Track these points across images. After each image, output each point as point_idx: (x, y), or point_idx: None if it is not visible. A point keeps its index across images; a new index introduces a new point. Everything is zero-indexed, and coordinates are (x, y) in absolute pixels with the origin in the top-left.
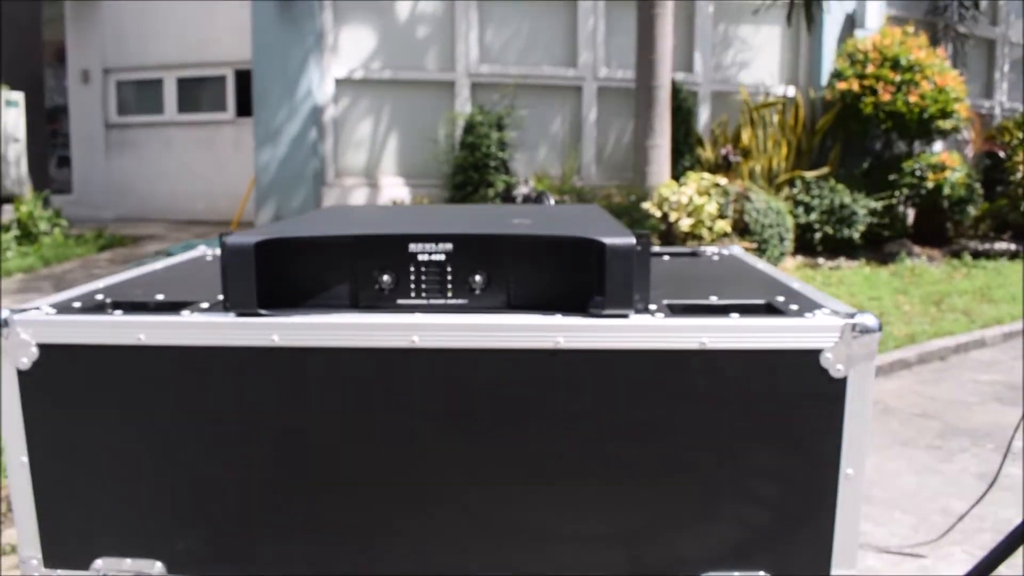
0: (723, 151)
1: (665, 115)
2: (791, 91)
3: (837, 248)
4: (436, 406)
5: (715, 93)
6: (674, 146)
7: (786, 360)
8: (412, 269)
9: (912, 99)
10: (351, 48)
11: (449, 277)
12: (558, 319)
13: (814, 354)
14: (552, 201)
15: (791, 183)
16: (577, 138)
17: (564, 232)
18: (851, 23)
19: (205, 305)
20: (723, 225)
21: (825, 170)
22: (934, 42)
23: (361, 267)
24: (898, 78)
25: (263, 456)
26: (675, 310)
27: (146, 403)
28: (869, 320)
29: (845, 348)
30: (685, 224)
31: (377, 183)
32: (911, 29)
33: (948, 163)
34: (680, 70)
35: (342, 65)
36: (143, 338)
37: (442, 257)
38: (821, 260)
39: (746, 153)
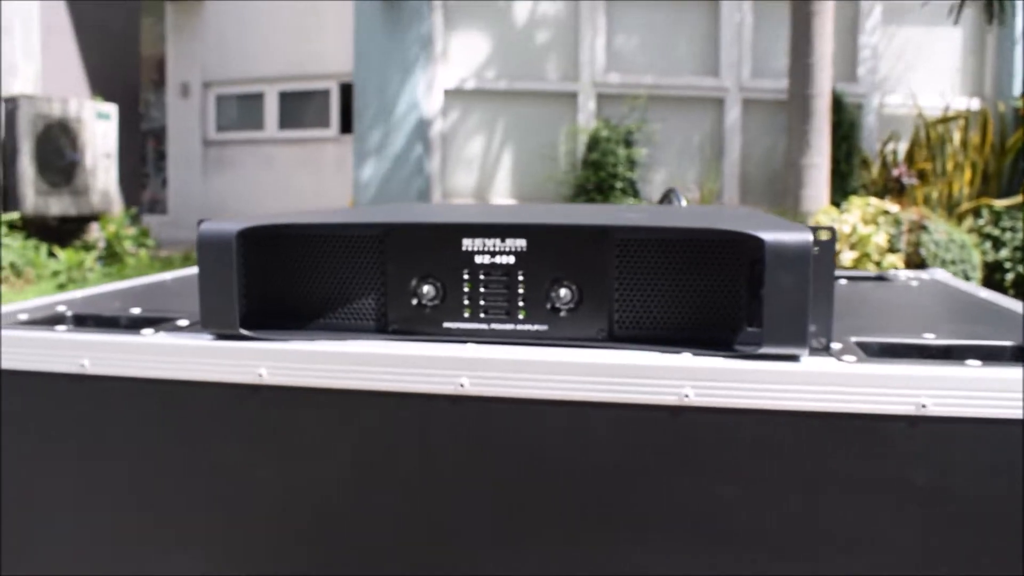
0: (894, 172)
1: (824, 129)
2: (975, 104)
3: None
4: (491, 483)
5: (883, 105)
6: (834, 166)
7: None
8: (466, 277)
9: None
10: (462, 55)
11: (521, 290)
12: (686, 359)
13: None
14: (684, 201)
15: (976, 212)
16: (718, 156)
17: (699, 224)
18: None
19: (183, 322)
20: (894, 260)
21: (1018, 199)
22: None
23: (392, 272)
24: None
25: (235, 538)
26: (873, 351)
27: (88, 452)
28: None
29: None
30: (847, 258)
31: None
32: None
33: None
34: (841, 79)
35: (452, 74)
36: (86, 365)
37: (511, 259)
38: None
39: (921, 175)
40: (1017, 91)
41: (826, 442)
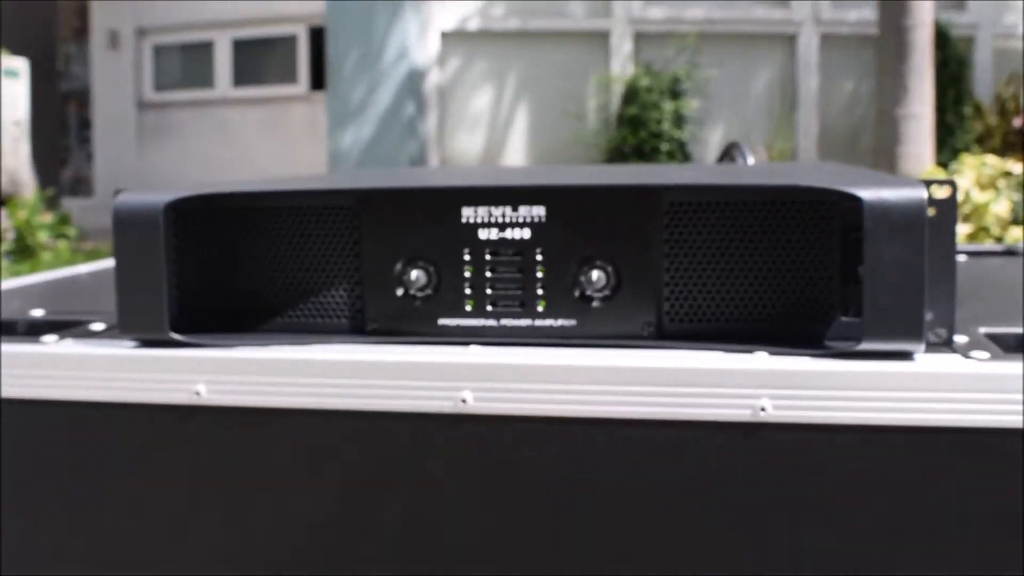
0: (1016, 122)
1: (925, 70)
2: None
3: None
4: (503, 525)
5: (1001, 38)
6: (939, 117)
7: None
8: (467, 258)
9: None
10: None
11: (540, 274)
12: (761, 361)
13: None
14: (751, 159)
15: None
16: (791, 107)
17: (774, 182)
18: None
19: (98, 326)
20: (1019, 234)
21: None
22: None
23: (370, 253)
24: None
25: None
26: (1009, 345)
27: None
28: None
29: None
30: (960, 232)
31: None
32: None
33: None
34: (947, 7)
35: (450, 12)
36: None
37: (526, 233)
38: None
39: None
40: None
41: (953, 467)
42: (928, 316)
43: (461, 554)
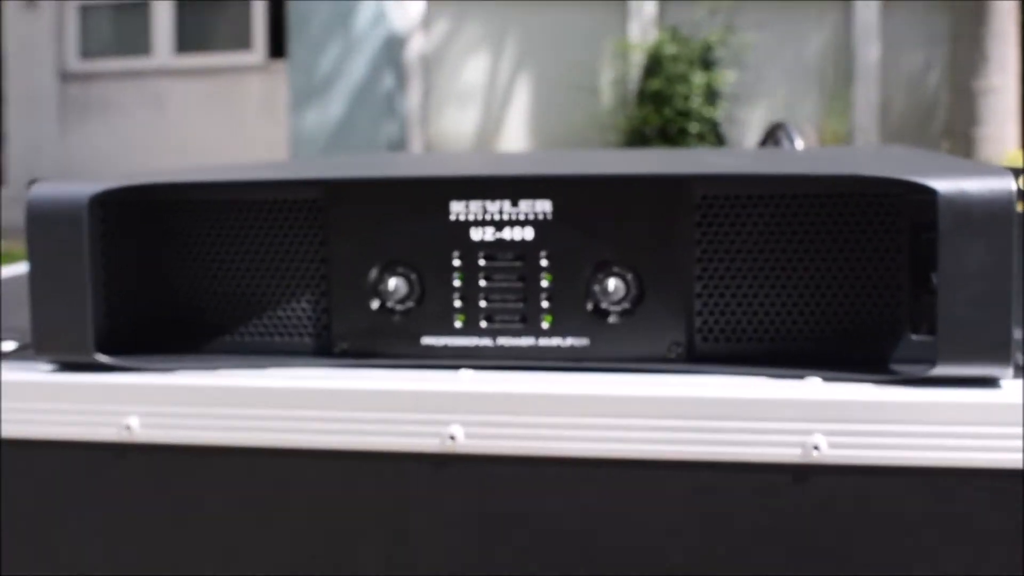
0: None
1: (1008, 33)
2: None
3: None
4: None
5: None
6: None
7: None
8: (457, 263)
9: None
10: None
11: (545, 283)
12: (814, 389)
13: None
14: (799, 143)
15: None
16: (847, 80)
17: (828, 171)
18: None
19: (8, 346)
20: None
21: None
22: None
23: (339, 258)
24: None
25: None
26: None
27: None
28: None
29: None
30: None
31: None
32: None
33: None
34: None
35: None
36: None
37: (529, 233)
38: None
39: None
40: None
41: None
42: (1017, 334)
43: None
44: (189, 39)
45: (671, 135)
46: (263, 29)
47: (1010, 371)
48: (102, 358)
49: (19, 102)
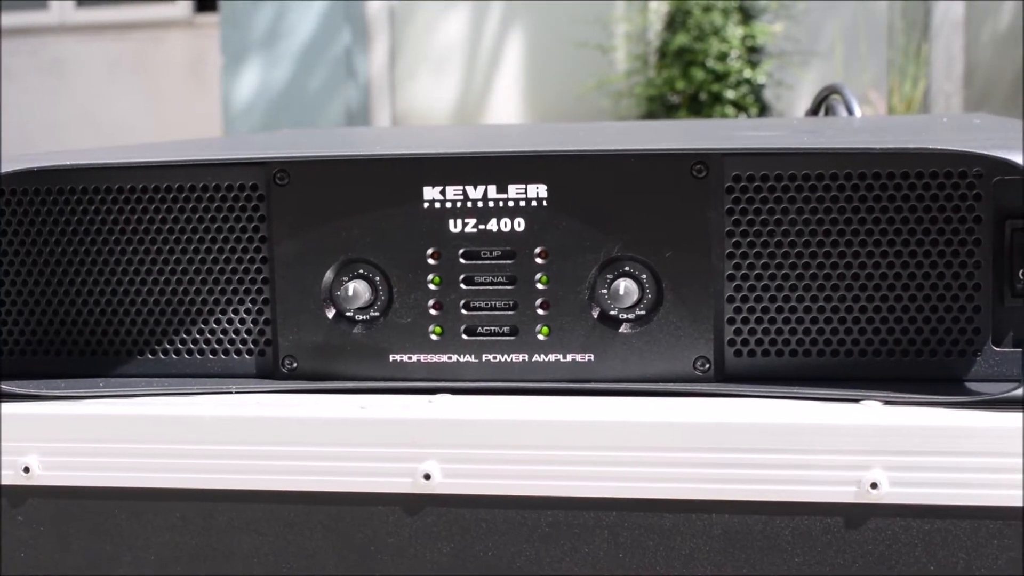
0: None
1: None
2: None
3: None
4: None
5: None
6: None
7: None
8: (432, 261)
9: None
10: None
11: (540, 284)
12: (873, 414)
13: None
14: (857, 111)
15: None
16: (919, 39)
17: (889, 145)
18: None
19: None
20: None
21: None
22: None
23: (286, 255)
24: None
25: None
26: None
27: None
28: None
29: None
30: None
31: None
32: None
33: None
34: None
35: None
36: None
37: (519, 224)
38: None
39: None
40: None
41: None
42: None
43: None
44: None
45: (702, 103)
46: None
47: None
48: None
49: None
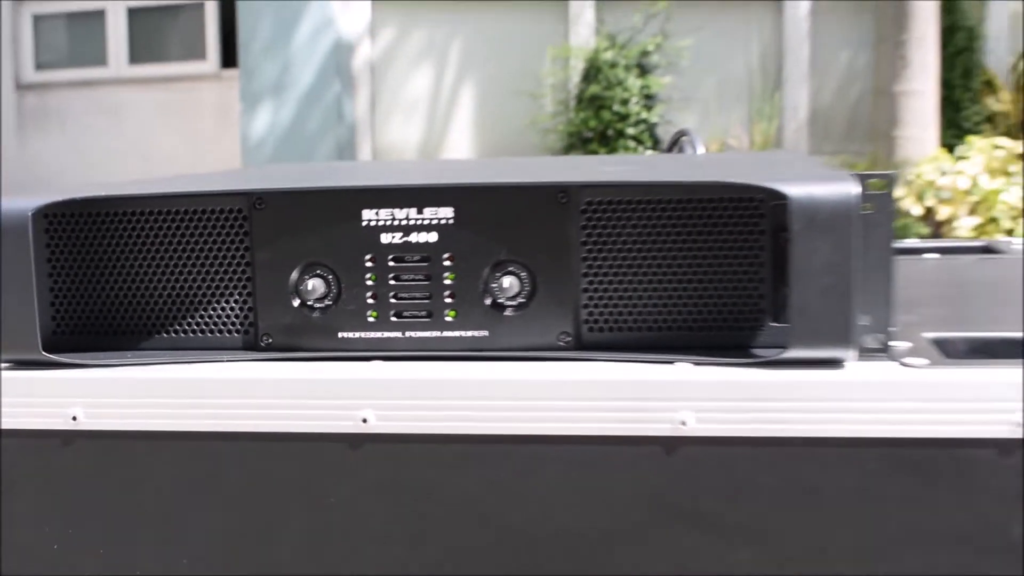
0: None
1: (928, 39)
2: None
3: None
4: (407, 550)
5: (1018, 1)
6: (946, 93)
7: None
8: (369, 264)
9: None
10: None
11: (448, 281)
12: (684, 372)
13: None
14: (701, 148)
15: None
16: (776, 84)
17: (698, 178)
18: None
19: None
20: None
21: None
22: None
23: (264, 260)
24: None
25: None
26: (952, 352)
27: None
28: None
29: None
30: (966, 225)
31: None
32: None
33: None
34: None
35: None
36: None
37: (433, 237)
38: None
39: None
40: None
41: (884, 481)
42: (864, 321)
43: (358, 568)
44: (143, 49)
45: (609, 138)
46: (216, 39)
47: (853, 353)
48: (49, 356)
49: None
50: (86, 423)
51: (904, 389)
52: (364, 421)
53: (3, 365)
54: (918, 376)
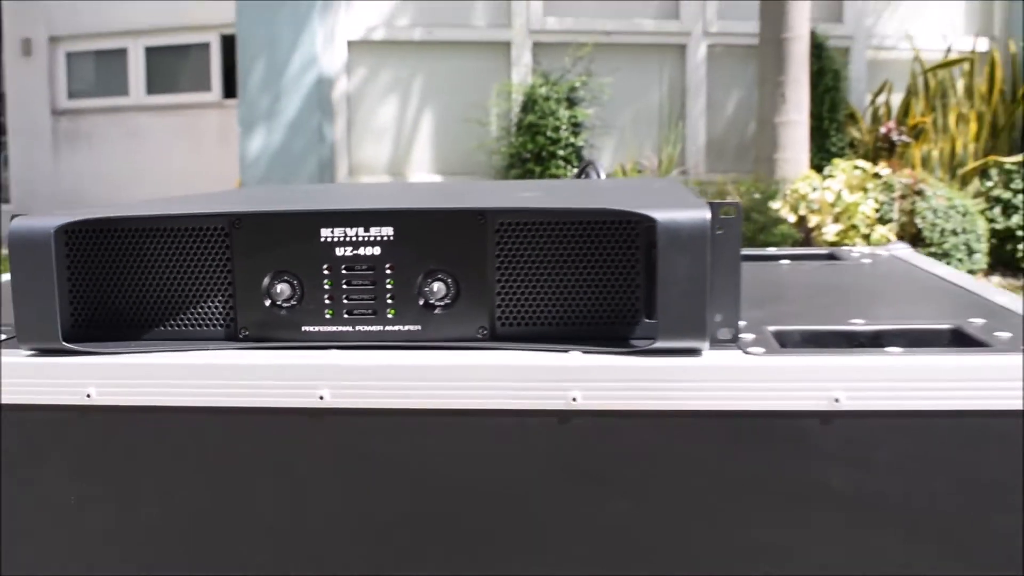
0: (884, 129)
1: (802, 80)
2: (982, 44)
3: None
4: (359, 504)
5: (874, 49)
6: (816, 124)
7: (989, 429)
8: (326, 272)
9: None
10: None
11: (389, 285)
12: (574, 358)
13: None
14: (601, 174)
15: (984, 173)
16: (680, 115)
17: (587, 205)
18: None
19: (2, 337)
20: (885, 232)
21: None
22: None
23: (241, 269)
24: None
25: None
26: (787, 342)
27: None
28: None
29: None
30: (831, 232)
31: (406, 180)
32: None
33: None
34: (824, 19)
35: (357, 22)
36: None
37: (376, 250)
38: None
39: (918, 132)
40: None
41: (729, 444)
42: (717, 318)
43: (324, 529)
44: (158, 81)
45: (543, 158)
46: (219, 73)
47: (707, 344)
48: (67, 346)
49: (18, 134)
50: (98, 399)
51: (745, 372)
52: (321, 398)
53: (31, 353)
54: (757, 362)
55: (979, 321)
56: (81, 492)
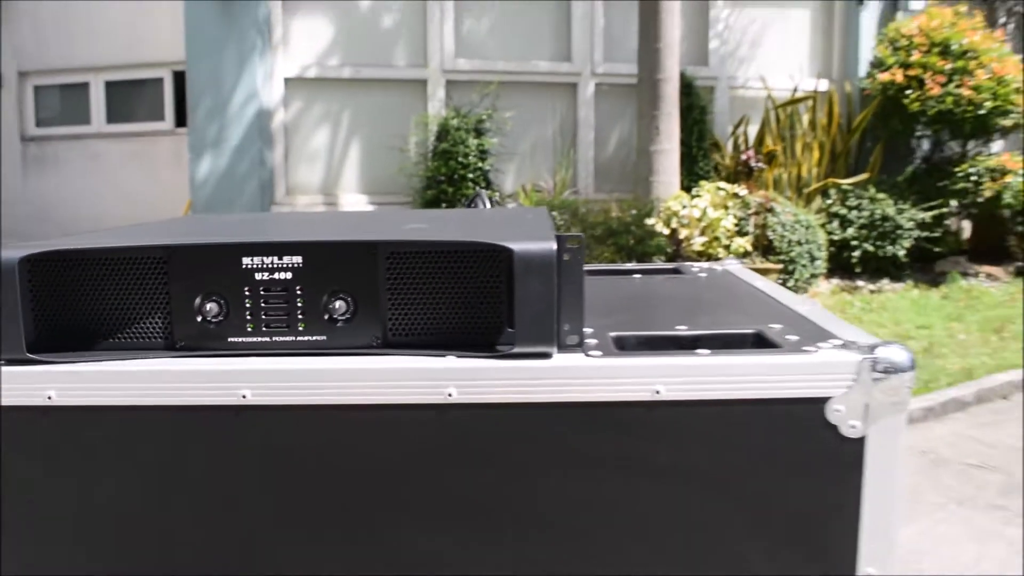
0: (743, 156)
1: (673, 114)
2: (823, 85)
3: (879, 268)
4: (276, 488)
5: (734, 88)
6: (685, 151)
7: (777, 414)
8: (247, 293)
9: (965, 92)
10: (303, 41)
11: (299, 303)
12: (450, 361)
13: (817, 404)
14: (487, 204)
15: (824, 192)
16: (571, 144)
17: (459, 237)
18: (893, 3)
19: None
20: (742, 243)
21: (864, 176)
22: (991, 23)
23: (177, 291)
24: (949, 67)
25: (27, 555)
26: (624, 345)
27: None
28: (897, 355)
29: (862, 395)
30: (698, 243)
31: (337, 200)
32: (963, 8)
33: (1009, 166)
34: (692, 61)
35: (293, 62)
36: None
37: (288, 275)
38: (861, 282)
39: (771, 158)
40: (863, 72)
41: (574, 429)
42: (566, 326)
43: (246, 510)
44: (117, 112)
45: (455, 181)
46: (171, 105)
47: (555, 349)
48: (31, 356)
49: None
50: (58, 401)
51: (586, 371)
52: (244, 397)
53: (1, 362)
54: (595, 362)
55: (777, 326)
56: (41, 481)
